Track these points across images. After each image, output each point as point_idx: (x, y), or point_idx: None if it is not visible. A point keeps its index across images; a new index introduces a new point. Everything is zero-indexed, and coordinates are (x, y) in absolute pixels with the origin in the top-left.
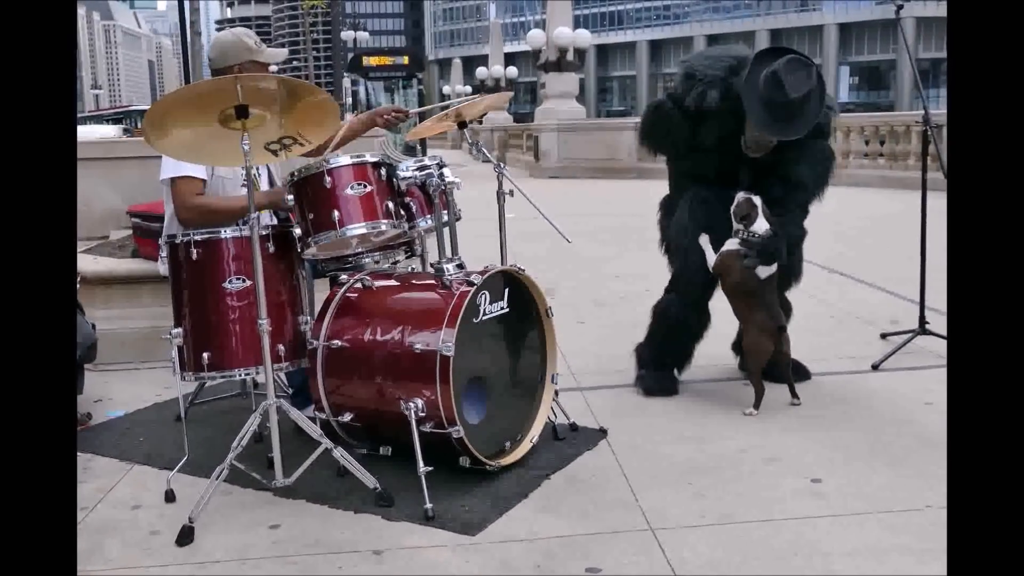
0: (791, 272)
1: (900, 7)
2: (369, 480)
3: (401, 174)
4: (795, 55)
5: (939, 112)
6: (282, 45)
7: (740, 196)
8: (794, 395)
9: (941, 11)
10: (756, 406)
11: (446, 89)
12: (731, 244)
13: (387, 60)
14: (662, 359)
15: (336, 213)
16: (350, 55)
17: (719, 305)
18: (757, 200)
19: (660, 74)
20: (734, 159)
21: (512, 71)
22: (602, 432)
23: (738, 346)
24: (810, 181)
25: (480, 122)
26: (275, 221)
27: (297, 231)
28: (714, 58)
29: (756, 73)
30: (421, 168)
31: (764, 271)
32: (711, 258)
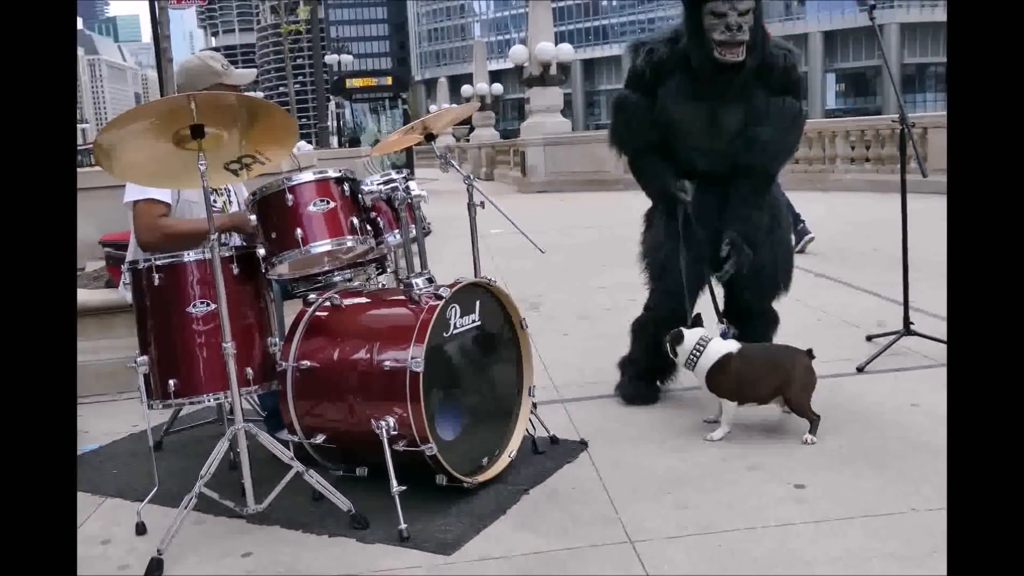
0: (776, 281)
1: (872, 7)
2: (343, 503)
3: (366, 188)
4: None
5: (925, 115)
6: (267, 72)
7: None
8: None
9: (924, 16)
10: (813, 431)
11: (432, 108)
12: (696, 376)
13: (371, 81)
14: (644, 372)
15: (299, 231)
16: (335, 78)
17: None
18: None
19: None
20: (702, 139)
21: (497, 88)
22: (583, 444)
23: None
24: (771, 142)
25: (467, 139)
26: (239, 242)
27: (261, 251)
28: (658, 31)
29: None
30: (387, 182)
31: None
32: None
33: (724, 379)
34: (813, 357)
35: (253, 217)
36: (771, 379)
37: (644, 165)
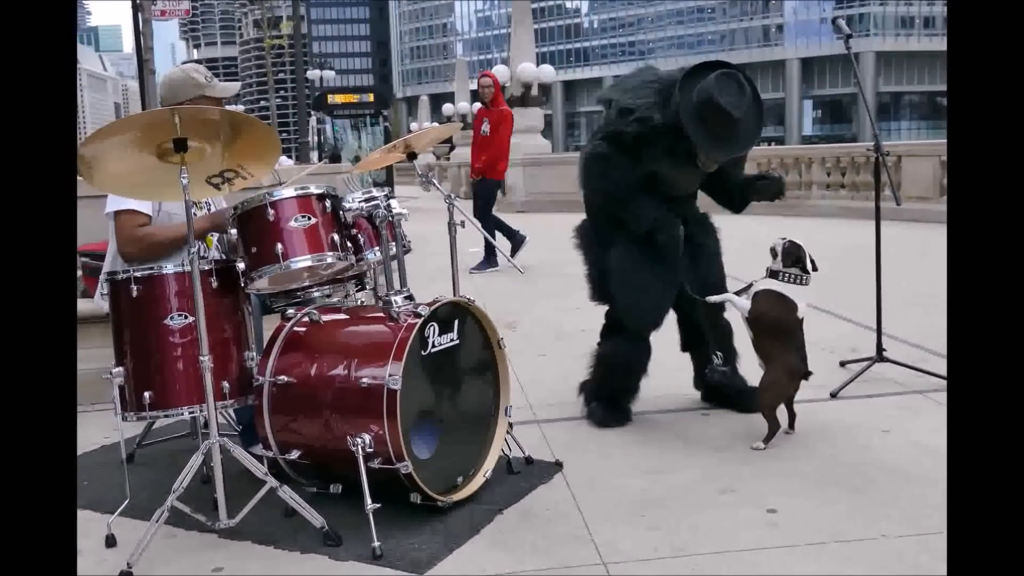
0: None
1: (848, 36)
2: (316, 519)
3: (347, 205)
4: (722, 71)
5: (899, 143)
6: (249, 86)
7: (784, 242)
8: (791, 425)
9: (900, 45)
10: (766, 441)
11: (414, 126)
12: (764, 283)
13: (352, 98)
14: (613, 396)
15: (280, 246)
16: (316, 94)
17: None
18: (800, 242)
19: None
20: (681, 188)
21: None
22: (558, 465)
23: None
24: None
25: (448, 158)
26: (219, 256)
27: (241, 265)
28: (637, 88)
29: (688, 97)
30: (368, 199)
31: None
32: (743, 305)
33: (771, 297)
34: (805, 377)
35: (234, 231)
36: (777, 337)
37: (634, 201)
